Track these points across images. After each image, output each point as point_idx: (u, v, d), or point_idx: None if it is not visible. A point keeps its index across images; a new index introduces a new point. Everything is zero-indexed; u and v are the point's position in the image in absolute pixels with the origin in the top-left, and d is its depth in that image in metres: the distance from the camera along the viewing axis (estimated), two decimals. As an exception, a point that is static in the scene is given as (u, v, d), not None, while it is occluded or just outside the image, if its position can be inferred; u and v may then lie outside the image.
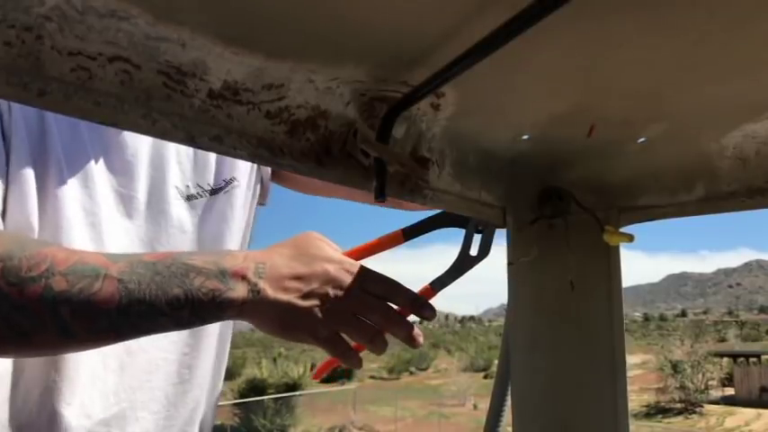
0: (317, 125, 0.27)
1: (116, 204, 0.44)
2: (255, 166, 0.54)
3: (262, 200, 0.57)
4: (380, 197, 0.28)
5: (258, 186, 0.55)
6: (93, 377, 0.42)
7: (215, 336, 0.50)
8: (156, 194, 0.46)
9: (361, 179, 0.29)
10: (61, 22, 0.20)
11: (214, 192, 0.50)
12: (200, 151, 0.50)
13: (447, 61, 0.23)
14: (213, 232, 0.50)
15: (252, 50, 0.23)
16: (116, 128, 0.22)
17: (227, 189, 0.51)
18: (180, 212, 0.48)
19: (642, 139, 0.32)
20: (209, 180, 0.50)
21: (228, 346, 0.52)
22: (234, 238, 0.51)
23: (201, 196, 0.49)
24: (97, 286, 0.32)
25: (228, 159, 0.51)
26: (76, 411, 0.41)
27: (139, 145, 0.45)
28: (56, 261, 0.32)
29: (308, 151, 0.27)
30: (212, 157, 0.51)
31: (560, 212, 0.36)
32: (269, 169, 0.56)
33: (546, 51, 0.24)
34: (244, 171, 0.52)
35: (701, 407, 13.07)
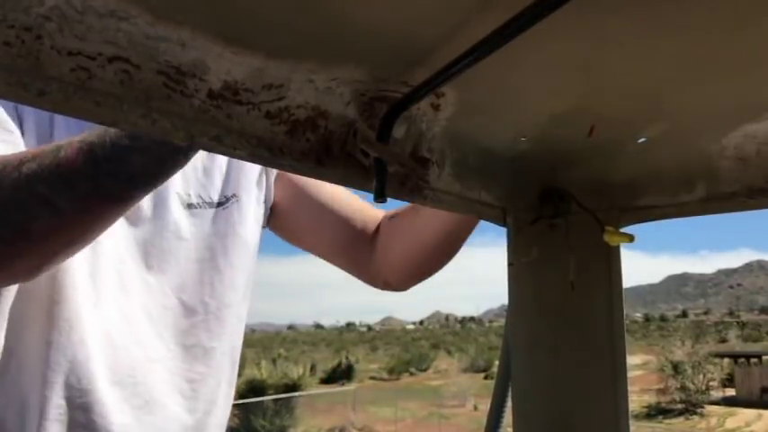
0: (316, 125, 0.27)
1: None
2: (263, 186, 0.54)
3: (264, 222, 0.56)
4: (380, 197, 0.28)
5: (263, 207, 0.55)
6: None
7: (226, 355, 0.50)
8: (157, 198, 0.47)
9: (360, 179, 0.29)
10: (61, 21, 0.20)
11: (215, 205, 0.50)
12: (205, 164, 0.51)
13: (447, 61, 0.23)
14: (211, 244, 0.50)
15: (252, 50, 0.23)
16: (116, 128, 0.22)
17: (226, 205, 0.51)
18: (179, 219, 0.48)
19: (642, 140, 0.32)
20: (212, 194, 0.51)
21: (216, 356, 0.51)
22: (233, 253, 0.51)
23: (202, 207, 0.50)
24: (61, 154, 0.32)
25: (234, 178, 0.52)
26: (60, 393, 0.41)
27: None
28: (29, 154, 0.33)
29: (308, 151, 0.27)
30: (217, 172, 0.51)
31: (561, 213, 0.36)
32: (272, 193, 0.56)
33: (546, 51, 0.24)
34: (247, 190, 0.53)
35: (702, 407, 13.06)
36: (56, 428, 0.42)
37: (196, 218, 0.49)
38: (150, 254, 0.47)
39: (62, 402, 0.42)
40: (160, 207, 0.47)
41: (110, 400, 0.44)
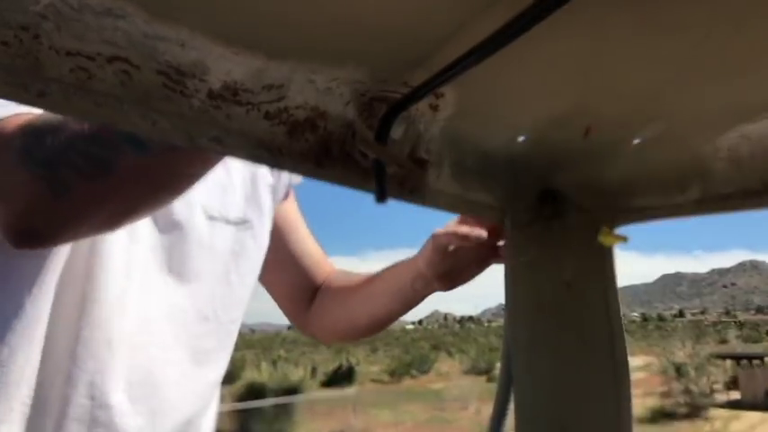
0: (316, 126, 0.27)
1: None
2: (271, 216, 0.56)
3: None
4: (380, 198, 0.28)
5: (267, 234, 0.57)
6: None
7: (211, 356, 0.51)
8: (186, 205, 0.48)
9: (359, 180, 0.29)
10: (57, 19, 0.20)
11: (231, 223, 0.52)
12: (223, 181, 0.52)
13: (447, 62, 0.23)
14: (225, 260, 0.51)
15: (253, 51, 0.23)
16: (116, 128, 0.22)
17: (241, 227, 0.53)
18: (201, 227, 0.49)
19: (638, 141, 0.33)
20: (228, 211, 0.52)
21: (221, 366, 0.53)
22: (245, 273, 0.52)
23: (219, 221, 0.51)
24: None
25: (249, 202, 0.54)
26: (84, 392, 0.42)
27: None
28: None
29: (307, 152, 0.27)
30: (231, 192, 0.53)
31: (558, 213, 0.36)
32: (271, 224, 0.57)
33: (544, 52, 0.25)
34: (260, 218, 0.54)
35: (707, 411, 12.97)
36: (76, 427, 0.41)
37: (215, 230, 0.50)
38: (172, 258, 0.47)
39: (85, 402, 0.42)
40: (188, 214, 0.48)
41: (132, 400, 0.44)
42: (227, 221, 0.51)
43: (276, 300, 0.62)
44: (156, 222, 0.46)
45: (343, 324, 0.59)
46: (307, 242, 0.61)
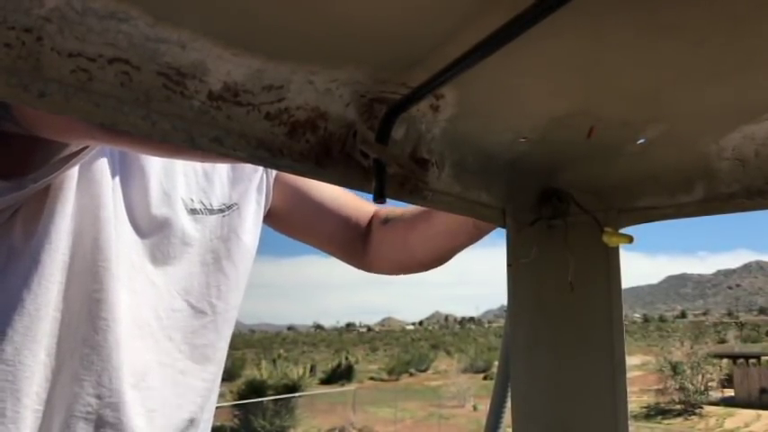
0: (316, 126, 0.27)
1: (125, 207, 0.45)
2: (263, 189, 0.55)
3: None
4: (380, 198, 0.28)
5: (262, 211, 0.56)
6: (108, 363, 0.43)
7: (214, 348, 0.51)
8: (166, 202, 0.47)
9: (360, 180, 0.29)
10: (61, 23, 0.20)
11: (216, 212, 0.51)
12: (206, 169, 0.52)
13: (446, 62, 0.23)
14: (215, 248, 0.51)
15: (252, 52, 0.23)
16: (116, 129, 0.22)
17: (226, 213, 0.52)
18: (184, 224, 0.49)
19: (641, 141, 0.33)
20: (212, 200, 0.51)
21: (223, 355, 0.53)
22: (237, 257, 0.52)
23: (203, 213, 0.50)
24: None
25: (235, 184, 0.53)
26: (91, 390, 0.42)
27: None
28: None
29: (308, 152, 0.27)
30: (217, 178, 0.52)
31: (560, 214, 0.36)
32: (271, 195, 0.57)
33: (545, 53, 0.25)
34: (248, 196, 0.54)
35: (701, 408, 13.06)
36: (83, 426, 0.42)
37: (198, 223, 0.50)
38: (156, 258, 0.47)
39: (92, 400, 0.42)
40: (168, 212, 0.47)
41: (132, 402, 0.44)
42: (211, 211, 0.51)
43: (327, 252, 0.61)
44: (137, 224, 0.45)
45: (406, 262, 0.58)
46: (329, 189, 0.59)
